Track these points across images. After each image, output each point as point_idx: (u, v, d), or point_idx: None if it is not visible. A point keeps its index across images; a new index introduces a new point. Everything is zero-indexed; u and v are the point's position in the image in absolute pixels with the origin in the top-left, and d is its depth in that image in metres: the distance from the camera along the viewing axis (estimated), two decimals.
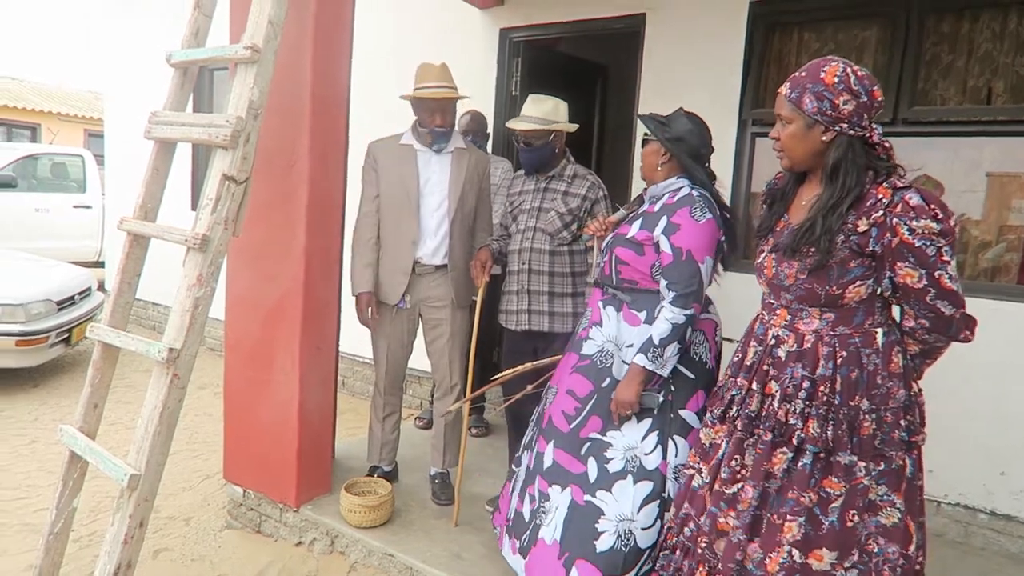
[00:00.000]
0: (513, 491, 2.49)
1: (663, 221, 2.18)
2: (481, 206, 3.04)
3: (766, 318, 1.85)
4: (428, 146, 2.91)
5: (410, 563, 2.57)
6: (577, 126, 2.94)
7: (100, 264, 7.81)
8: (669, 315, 2.10)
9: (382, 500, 2.76)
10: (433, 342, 3.01)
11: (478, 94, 4.13)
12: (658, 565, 2.02)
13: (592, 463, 2.21)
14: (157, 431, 2.12)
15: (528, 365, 2.63)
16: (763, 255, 1.85)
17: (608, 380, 2.24)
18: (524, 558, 2.30)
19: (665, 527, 2.05)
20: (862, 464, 1.67)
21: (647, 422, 2.18)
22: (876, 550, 1.68)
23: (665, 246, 2.15)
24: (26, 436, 3.99)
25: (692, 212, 2.15)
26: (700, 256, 2.12)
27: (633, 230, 2.24)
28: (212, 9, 2.48)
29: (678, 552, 1.90)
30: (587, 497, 2.18)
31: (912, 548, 1.70)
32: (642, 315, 2.23)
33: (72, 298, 5.15)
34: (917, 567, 1.73)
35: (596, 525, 2.14)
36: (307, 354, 2.77)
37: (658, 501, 2.13)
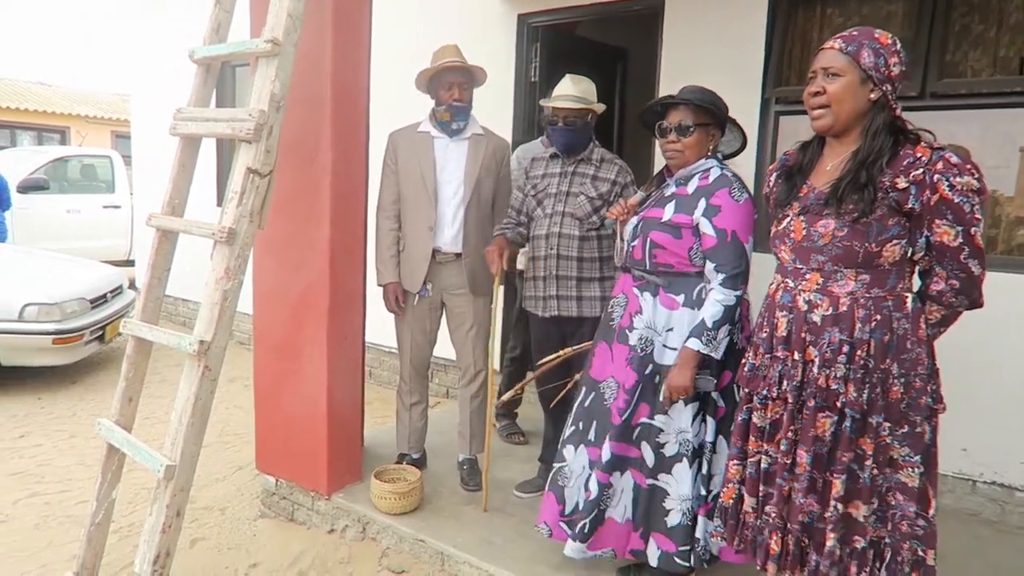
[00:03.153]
0: (564, 487, 2.40)
1: (702, 203, 2.16)
2: (501, 196, 3.04)
3: (791, 285, 1.82)
4: (446, 130, 2.91)
5: (441, 548, 2.60)
6: (604, 107, 2.93)
7: (130, 263, 7.95)
8: (720, 297, 2.11)
9: (412, 486, 2.79)
10: (456, 330, 3.03)
11: (498, 81, 4.11)
12: (736, 548, 1.99)
13: (646, 448, 2.25)
14: (191, 422, 2.17)
15: (568, 350, 2.64)
16: (787, 220, 1.84)
17: (651, 367, 2.23)
18: (584, 543, 2.30)
19: (741, 513, 1.99)
20: (887, 425, 1.71)
21: (693, 405, 2.20)
22: (895, 503, 1.74)
23: (707, 228, 2.14)
24: (65, 431, 4.09)
25: (731, 193, 2.15)
26: (744, 236, 2.13)
27: (668, 213, 2.20)
28: (232, 4, 2.50)
29: (765, 531, 1.89)
30: (649, 481, 2.25)
31: (932, 511, 1.74)
32: (680, 298, 2.22)
33: (105, 296, 5.25)
34: (933, 531, 1.76)
35: (664, 504, 2.24)
36: (334, 344, 2.80)
37: (700, 473, 2.23)
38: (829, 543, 1.74)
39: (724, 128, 2.29)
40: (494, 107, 4.04)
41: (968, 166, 1.64)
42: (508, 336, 3.95)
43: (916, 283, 1.80)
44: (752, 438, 1.91)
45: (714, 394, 2.21)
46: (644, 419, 2.24)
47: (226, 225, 2.17)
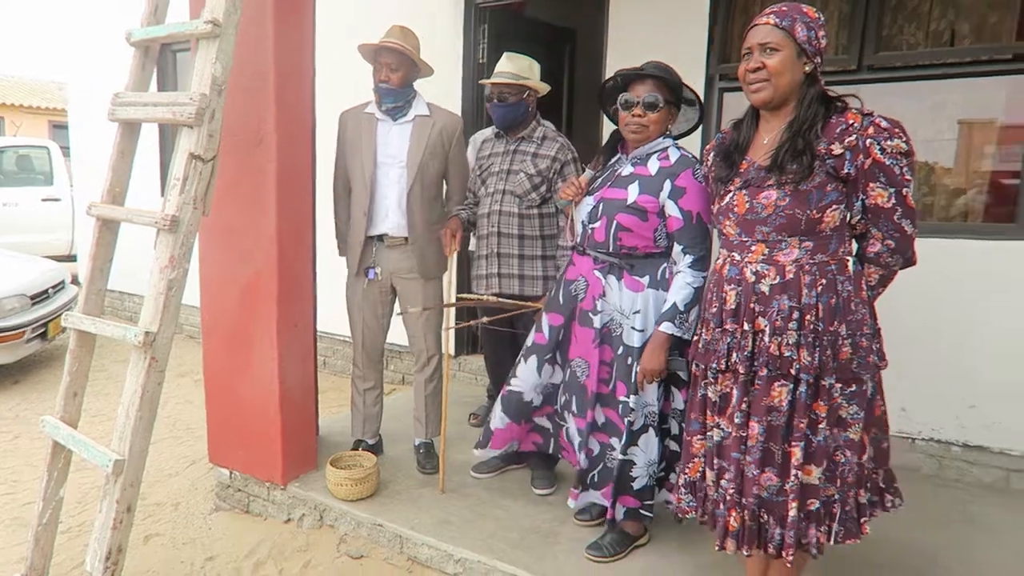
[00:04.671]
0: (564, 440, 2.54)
1: (667, 185, 2.17)
2: (453, 175, 3.00)
3: (737, 258, 1.86)
4: (388, 114, 2.87)
5: (399, 531, 2.60)
6: (549, 87, 2.93)
7: (72, 258, 7.69)
8: (691, 279, 2.13)
9: (368, 472, 2.78)
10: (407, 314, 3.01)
11: (446, 63, 4.09)
12: (700, 520, 2.02)
13: (625, 424, 2.30)
14: (139, 415, 2.12)
15: (507, 302, 2.71)
16: (729, 196, 1.88)
17: (622, 348, 2.26)
18: (598, 491, 2.41)
19: (699, 493, 2.04)
20: (838, 386, 1.77)
21: (658, 383, 2.26)
22: (843, 460, 1.80)
23: (673, 210, 2.16)
24: (9, 432, 3.96)
25: (695, 174, 2.17)
26: (707, 217, 2.14)
27: (632, 195, 2.19)
28: None
29: (721, 506, 1.92)
30: (621, 456, 2.31)
31: (865, 457, 1.85)
32: (645, 280, 2.23)
33: (46, 292, 5.08)
34: (868, 473, 1.88)
35: (631, 472, 2.32)
36: (285, 331, 2.77)
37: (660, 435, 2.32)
38: (791, 513, 1.78)
39: (679, 108, 2.30)
40: (443, 88, 4.01)
41: (896, 129, 1.72)
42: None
43: (855, 247, 1.86)
44: (708, 412, 1.95)
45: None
46: (622, 397, 2.28)
47: (169, 213, 2.13)
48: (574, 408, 2.43)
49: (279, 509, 2.95)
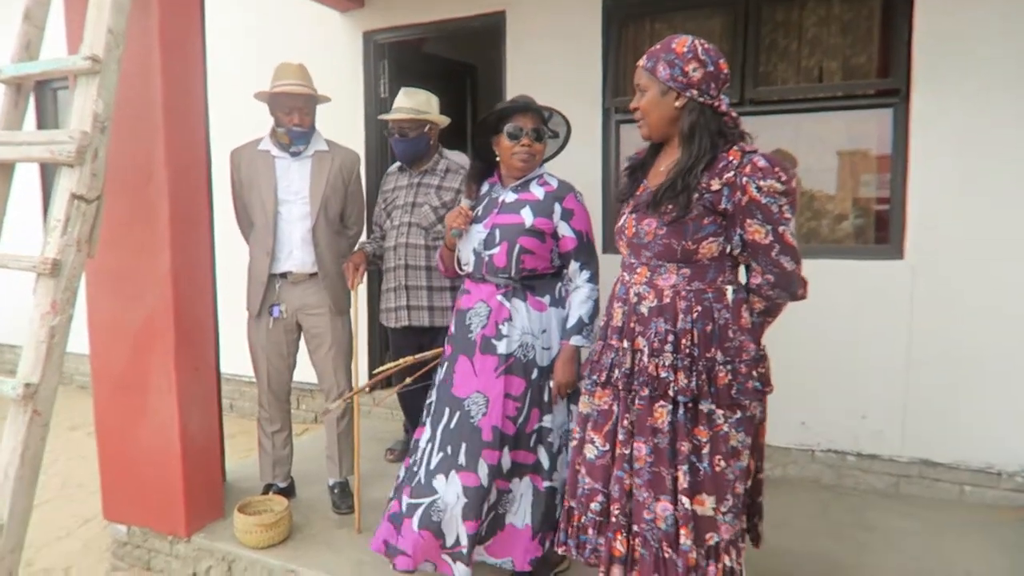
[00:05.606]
0: (440, 522, 2.23)
1: (557, 208, 2.27)
2: (351, 207, 2.98)
3: (627, 278, 1.93)
4: (286, 150, 2.84)
5: None
6: (449, 120, 2.97)
7: None
8: (591, 293, 2.27)
9: (279, 517, 2.68)
10: (316, 351, 2.95)
11: (347, 98, 4.08)
12: (574, 549, 1.99)
13: (542, 451, 2.29)
14: (19, 475, 1.97)
15: (409, 359, 2.61)
16: (623, 217, 1.94)
17: (536, 371, 2.27)
18: (482, 545, 2.28)
19: (565, 510, 2.04)
20: (720, 412, 1.78)
21: (566, 398, 2.31)
22: (742, 491, 1.81)
23: (566, 231, 2.27)
24: None
25: (577, 197, 2.32)
26: (592, 235, 2.31)
27: (528, 219, 2.25)
28: (44, 20, 2.32)
29: (590, 531, 1.91)
30: (546, 483, 2.28)
31: (750, 481, 1.89)
32: (546, 299, 2.31)
33: None
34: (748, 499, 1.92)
35: (556, 501, 2.28)
36: (184, 375, 2.65)
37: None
38: (683, 541, 1.76)
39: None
40: (344, 124, 4.00)
41: (776, 169, 1.73)
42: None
43: (742, 275, 1.91)
44: (578, 427, 1.99)
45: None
46: (537, 424, 2.28)
47: (49, 256, 2.01)
48: (461, 461, 2.21)
49: (183, 563, 2.79)
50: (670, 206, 1.79)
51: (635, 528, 1.82)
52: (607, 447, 1.89)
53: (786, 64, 3.37)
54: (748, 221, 1.76)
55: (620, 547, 1.83)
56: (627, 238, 1.91)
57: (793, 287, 1.82)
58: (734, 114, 1.85)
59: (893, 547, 2.71)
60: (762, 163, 1.74)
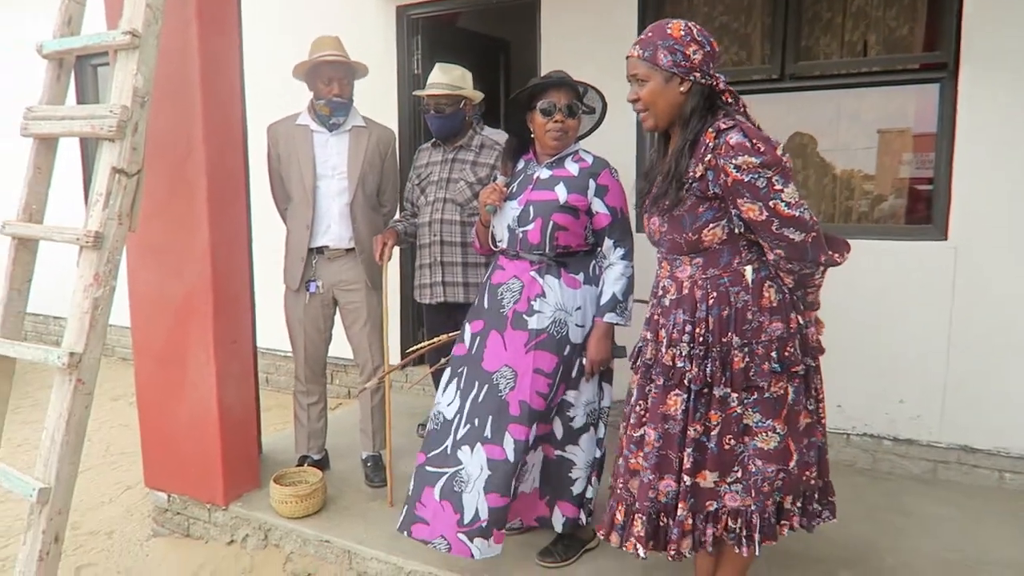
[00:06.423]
0: (461, 493, 2.22)
1: (592, 184, 2.25)
2: (386, 183, 3.00)
3: (657, 272, 1.96)
4: (324, 125, 2.85)
5: (347, 546, 2.56)
6: (482, 95, 2.96)
7: None
8: (625, 271, 2.26)
9: (313, 488, 2.73)
10: (351, 326, 2.98)
11: (380, 74, 4.07)
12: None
13: (557, 422, 2.31)
14: (65, 440, 2.04)
15: (443, 337, 2.63)
16: (644, 216, 1.95)
17: (568, 348, 2.27)
18: (488, 538, 2.23)
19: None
20: (735, 395, 1.77)
21: (597, 376, 2.32)
22: (755, 470, 1.80)
23: (600, 207, 2.26)
24: None
25: (612, 173, 2.30)
26: (628, 211, 2.29)
27: (562, 195, 2.24)
28: None
29: (621, 511, 1.95)
30: (557, 452, 2.31)
31: (792, 463, 1.83)
32: (580, 277, 2.30)
33: None
34: (804, 478, 1.88)
35: (570, 474, 2.31)
36: (222, 348, 2.70)
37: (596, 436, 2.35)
38: (679, 513, 1.81)
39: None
40: (378, 100, 3.99)
41: (750, 143, 1.66)
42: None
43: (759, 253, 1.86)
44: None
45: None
46: (560, 397, 2.30)
47: (92, 229, 2.05)
48: (487, 434, 2.21)
49: (221, 531, 2.86)
50: (665, 201, 1.79)
51: (637, 505, 1.87)
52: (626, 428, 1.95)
53: (829, 37, 3.27)
54: (739, 201, 1.71)
55: (620, 516, 1.92)
56: (647, 235, 1.95)
57: (809, 256, 1.73)
58: (733, 91, 1.81)
59: (929, 533, 2.67)
60: (735, 140, 1.68)
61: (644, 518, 1.85)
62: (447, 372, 2.42)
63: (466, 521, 2.17)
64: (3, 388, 2.28)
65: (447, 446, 2.28)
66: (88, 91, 5.54)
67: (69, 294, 2.09)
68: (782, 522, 1.88)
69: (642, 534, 1.85)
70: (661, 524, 1.86)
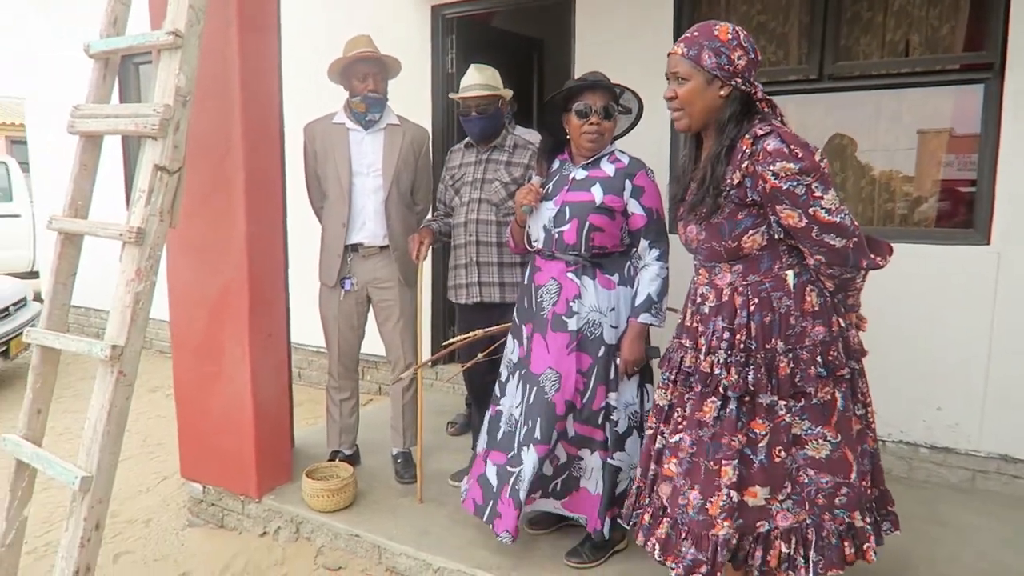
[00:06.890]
0: (519, 490, 2.33)
1: (628, 185, 2.25)
2: (419, 182, 3.03)
3: (695, 279, 1.94)
4: (360, 123, 2.89)
5: (377, 541, 2.59)
6: (512, 92, 2.99)
7: (34, 274, 7.52)
8: (660, 271, 2.26)
9: (344, 483, 2.76)
10: (384, 323, 3.01)
11: (414, 73, 4.10)
12: (631, 524, 2.08)
13: (608, 428, 2.32)
14: (106, 431, 2.08)
15: (479, 332, 2.65)
16: (680, 223, 1.94)
17: (603, 349, 2.28)
18: (559, 500, 2.40)
19: (634, 487, 2.09)
20: (782, 403, 1.74)
21: (636, 377, 2.32)
22: (807, 480, 1.75)
23: (636, 208, 2.26)
24: None
25: (648, 174, 2.29)
26: (663, 213, 2.29)
27: (598, 196, 2.25)
28: None
29: (649, 513, 1.95)
30: (608, 460, 2.33)
31: (854, 475, 1.77)
32: (615, 278, 2.30)
33: (7, 310, 4.96)
34: (867, 492, 1.82)
35: (617, 479, 2.34)
36: (257, 342, 2.74)
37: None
38: (723, 532, 1.74)
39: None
40: (412, 99, 4.02)
41: (788, 149, 1.63)
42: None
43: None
44: (654, 417, 2.00)
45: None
46: (604, 401, 2.30)
47: (134, 225, 2.10)
48: (537, 435, 2.29)
49: (254, 523, 2.91)
50: (703, 209, 1.77)
51: (668, 510, 1.86)
52: (668, 437, 1.93)
53: (869, 37, 3.21)
54: (778, 208, 1.69)
55: (647, 518, 1.93)
56: (683, 243, 1.93)
57: (851, 262, 1.71)
58: (771, 100, 1.78)
59: (966, 543, 2.61)
60: (772, 146, 1.65)
61: (670, 522, 1.85)
62: (504, 371, 2.49)
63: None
64: (49, 378, 2.34)
65: (515, 446, 2.37)
66: (131, 89, 5.67)
67: (110, 287, 2.14)
68: (865, 545, 1.79)
69: (662, 536, 1.86)
70: (679, 535, 1.83)
